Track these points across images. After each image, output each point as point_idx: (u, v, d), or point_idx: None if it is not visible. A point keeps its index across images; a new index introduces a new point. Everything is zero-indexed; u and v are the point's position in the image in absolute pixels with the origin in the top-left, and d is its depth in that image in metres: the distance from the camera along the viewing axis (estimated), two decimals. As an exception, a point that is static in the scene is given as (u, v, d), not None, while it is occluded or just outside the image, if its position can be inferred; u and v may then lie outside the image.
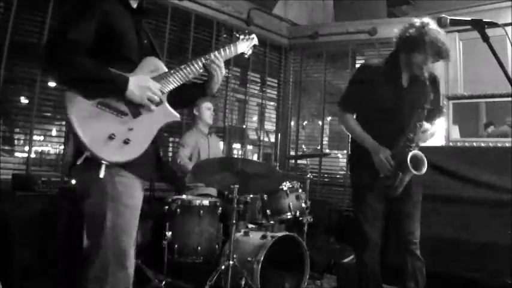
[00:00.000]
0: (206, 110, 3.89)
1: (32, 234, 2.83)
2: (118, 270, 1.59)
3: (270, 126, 5.93)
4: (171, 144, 4.90)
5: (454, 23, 1.93)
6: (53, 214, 2.88)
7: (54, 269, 2.79)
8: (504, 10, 4.18)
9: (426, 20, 2.23)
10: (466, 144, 3.56)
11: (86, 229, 1.63)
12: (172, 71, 1.76)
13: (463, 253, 2.97)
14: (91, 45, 1.57)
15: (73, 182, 1.74)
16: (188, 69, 1.79)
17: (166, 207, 3.12)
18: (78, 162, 1.54)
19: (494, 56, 1.63)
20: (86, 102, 1.55)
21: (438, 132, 2.37)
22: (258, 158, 5.69)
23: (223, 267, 2.76)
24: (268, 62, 5.60)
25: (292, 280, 3.17)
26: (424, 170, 2.19)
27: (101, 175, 1.54)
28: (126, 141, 1.58)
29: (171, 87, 1.75)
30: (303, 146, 5.48)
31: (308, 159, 4.31)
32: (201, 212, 3.11)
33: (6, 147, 3.72)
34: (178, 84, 1.76)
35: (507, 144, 3.29)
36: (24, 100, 3.93)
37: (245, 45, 1.98)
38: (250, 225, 3.50)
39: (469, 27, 1.78)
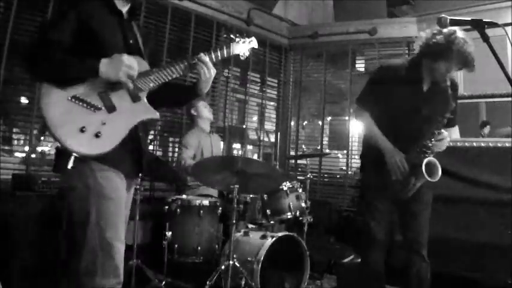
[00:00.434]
0: (203, 108, 3.90)
1: (32, 234, 2.83)
2: (107, 261, 1.61)
3: (270, 126, 5.93)
4: (171, 144, 4.90)
5: (454, 23, 1.93)
6: (53, 214, 2.88)
7: (54, 269, 2.79)
8: (504, 10, 4.18)
9: (454, 28, 2.15)
10: (466, 144, 3.56)
11: (72, 224, 1.66)
12: (154, 69, 1.76)
13: (463, 253, 2.97)
14: (72, 45, 1.63)
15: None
16: (172, 68, 1.78)
17: (166, 207, 3.13)
18: (49, 152, 1.57)
19: (494, 56, 1.62)
20: (61, 96, 1.59)
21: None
22: (258, 158, 5.68)
23: (223, 267, 2.76)
24: (268, 62, 5.60)
25: (292, 280, 3.17)
26: (438, 177, 2.18)
27: (69, 165, 1.55)
28: (97, 135, 1.59)
29: (151, 85, 1.75)
30: (303, 146, 5.49)
31: (308, 159, 4.31)
32: (201, 212, 3.12)
33: (6, 147, 3.72)
34: (160, 82, 1.77)
35: (507, 144, 3.28)
36: (24, 100, 3.93)
37: (241, 48, 1.98)
38: (250, 225, 3.50)
39: (469, 27, 1.78)
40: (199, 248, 3.06)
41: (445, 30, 2.15)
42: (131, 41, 1.80)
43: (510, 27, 3.27)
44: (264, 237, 3.03)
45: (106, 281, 1.60)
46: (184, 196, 3.29)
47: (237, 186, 2.82)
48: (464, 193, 3.10)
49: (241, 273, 2.78)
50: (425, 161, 2.16)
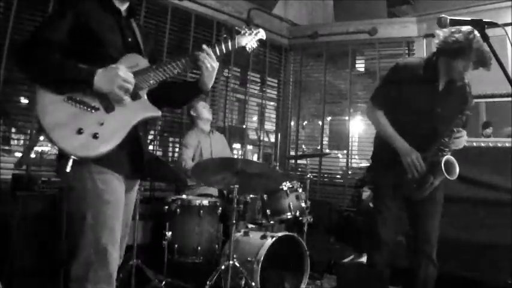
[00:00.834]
0: (202, 109, 3.90)
1: (32, 234, 2.83)
2: (100, 268, 1.56)
3: (270, 126, 5.93)
4: (171, 144, 4.90)
5: (454, 23, 1.92)
6: (53, 214, 2.88)
7: (54, 269, 2.79)
8: (504, 10, 4.18)
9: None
10: (466, 144, 3.55)
11: (67, 227, 1.65)
12: (154, 66, 1.72)
13: (463, 253, 2.97)
14: (68, 45, 1.61)
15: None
16: (173, 64, 1.74)
17: (166, 207, 3.13)
18: (45, 156, 1.54)
19: (494, 56, 1.63)
20: (56, 98, 1.55)
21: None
22: (258, 158, 5.69)
23: (223, 267, 2.76)
24: (268, 62, 5.60)
25: (292, 280, 3.17)
26: (456, 175, 2.17)
27: (68, 169, 1.51)
28: (95, 136, 1.55)
29: (151, 82, 1.71)
30: (303, 146, 5.48)
31: (308, 159, 4.31)
32: (201, 212, 3.12)
33: (6, 147, 3.72)
34: (160, 79, 1.73)
35: (507, 144, 3.28)
36: (24, 100, 3.93)
37: (247, 39, 1.91)
38: (250, 225, 3.50)
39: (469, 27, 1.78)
40: (199, 248, 3.06)
41: (463, 28, 2.14)
42: (129, 39, 1.77)
43: (510, 27, 3.27)
44: (264, 237, 3.03)
45: None
46: (184, 196, 3.29)
47: (237, 186, 2.82)
48: (464, 193, 3.10)
49: (241, 273, 2.78)
50: (444, 158, 2.15)
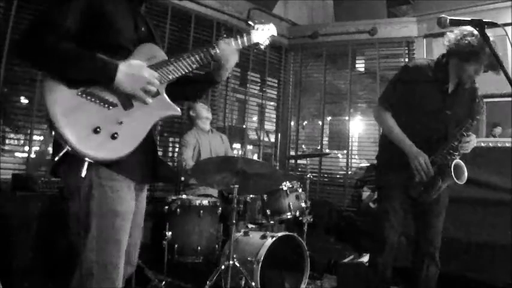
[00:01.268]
0: (201, 108, 3.91)
1: (32, 234, 2.83)
2: (104, 282, 1.41)
3: (270, 126, 5.93)
4: (171, 144, 4.90)
5: (454, 23, 1.93)
6: (53, 214, 2.88)
7: (54, 269, 2.79)
8: (504, 10, 4.18)
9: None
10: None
11: (71, 235, 1.48)
12: (172, 59, 1.56)
13: (463, 253, 2.97)
14: (80, 32, 1.42)
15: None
16: (193, 58, 1.59)
17: (166, 207, 3.12)
18: (56, 158, 1.36)
19: (494, 56, 1.63)
20: (69, 91, 1.36)
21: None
22: (258, 158, 5.68)
23: (223, 267, 2.76)
24: (268, 62, 5.60)
25: (292, 280, 3.17)
26: (465, 179, 2.16)
27: (83, 174, 1.35)
28: (113, 136, 1.38)
29: (170, 77, 1.55)
30: (303, 146, 5.49)
31: (308, 159, 4.31)
32: (201, 212, 3.11)
33: (6, 147, 3.72)
34: (180, 74, 1.58)
35: (507, 144, 3.28)
36: (24, 100, 3.93)
37: (260, 36, 1.78)
38: (250, 225, 3.50)
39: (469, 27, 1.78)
40: (199, 248, 3.06)
41: (476, 31, 2.11)
42: (142, 28, 1.61)
43: (510, 27, 3.27)
44: (264, 237, 3.02)
45: None
46: (184, 196, 3.29)
47: (237, 186, 2.82)
48: (464, 193, 3.10)
49: (241, 273, 2.78)
50: (453, 162, 2.14)
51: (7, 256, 2.74)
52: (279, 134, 5.91)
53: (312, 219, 3.54)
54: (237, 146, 6.01)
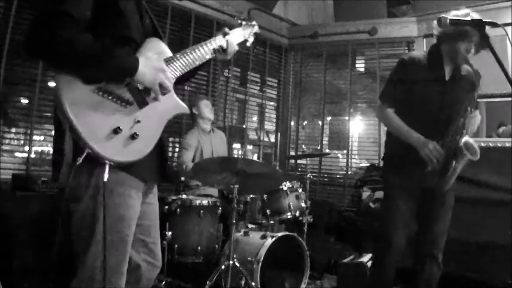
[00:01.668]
0: (205, 107, 3.87)
1: (32, 234, 2.83)
2: (104, 287, 1.37)
3: (270, 126, 5.93)
4: (171, 144, 4.90)
5: (454, 23, 1.93)
6: (53, 214, 2.88)
7: (54, 269, 2.79)
8: (504, 10, 4.18)
9: (467, 10, 2.22)
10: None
11: (74, 239, 1.43)
12: (178, 55, 1.54)
13: (463, 253, 2.97)
14: (90, 23, 1.34)
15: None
16: (195, 54, 1.59)
17: (166, 207, 3.12)
18: (79, 162, 1.27)
19: (494, 56, 1.63)
20: (84, 88, 1.29)
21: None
22: (258, 158, 5.68)
23: (223, 267, 2.76)
24: (268, 62, 5.60)
25: (292, 280, 3.16)
26: (478, 155, 2.10)
27: (105, 178, 1.29)
28: (133, 136, 1.33)
29: (178, 74, 1.53)
30: (303, 146, 5.48)
31: (308, 159, 4.31)
32: (201, 212, 3.11)
33: (6, 147, 3.72)
34: (186, 70, 1.56)
35: (507, 144, 3.28)
36: (24, 100, 3.93)
37: (247, 32, 1.86)
38: (250, 225, 3.50)
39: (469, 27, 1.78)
40: (199, 248, 3.06)
41: (461, 12, 2.19)
42: (147, 21, 1.58)
43: (510, 27, 3.28)
44: (264, 237, 3.02)
45: None
46: (184, 196, 3.29)
47: (237, 186, 2.82)
48: (464, 193, 3.10)
49: (241, 273, 2.78)
50: (463, 140, 2.09)
51: (7, 256, 2.74)
52: (279, 134, 5.91)
53: (312, 219, 3.54)
54: (237, 146, 6.01)
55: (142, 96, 1.40)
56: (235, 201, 2.83)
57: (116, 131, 1.30)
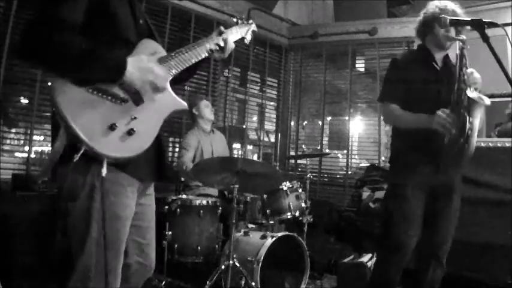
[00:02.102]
0: (205, 108, 3.87)
1: (32, 234, 2.83)
2: (99, 285, 1.39)
3: (270, 126, 5.93)
4: (171, 144, 4.90)
5: (454, 23, 1.93)
6: (53, 214, 2.88)
7: (54, 269, 2.79)
8: (504, 10, 4.19)
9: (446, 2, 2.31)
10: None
11: (69, 237, 1.44)
12: (173, 54, 1.56)
13: (463, 253, 2.97)
14: (83, 25, 1.37)
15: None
16: (191, 52, 1.62)
17: (166, 207, 3.12)
18: (75, 159, 1.28)
19: (494, 56, 1.63)
20: (79, 89, 1.31)
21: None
22: (258, 158, 5.69)
23: (223, 267, 2.76)
24: (268, 62, 5.60)
25: (292, 280, 3.17)
26: (489, 100, 2.03)
27: (103, 173, 1.30)
28: (130, 132, 1.34)
29: (173, 72, 1.54)
30: (303, 146, 5.48)
31: (308, 159, 4.31)
32: (201, 212, 3.11)
33: (6, 147, 3.72)
34: (182, 69, 1.58)
35: (507, 144, 3.28)
36: (24, 100, 3.93)
37: (244, 31, 1.90)
38: (250, 225, 3.50)
39: (469, 27, 1.78)
40: (199, 248, 3.06)
41: (441, 3, 2.28)
42: (141, 21, 1.59)
43: (510, 27, 3.28)
44: (264, 237, 3.03)
45: None
46: (184, 196, 3.29)
47: (237, 186, 2.82)
48: (464, 193, 3.10)
49: (241, 273, 2.78)
50: (468, 92, 2.02)
51: (7, 256, 2.74)
52: (279, 134, 5.91)
53: (312, 219, 3.54)
54: (237, 146, 6.01)
55: (139, 94, 1.42)
56: (235, 201, 2.83)
57: (112, 127, 1.31)
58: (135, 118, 1.38)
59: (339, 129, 5.97)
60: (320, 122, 5.71)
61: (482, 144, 3.33)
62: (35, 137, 3.69)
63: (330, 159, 5.76)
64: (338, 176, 5.60)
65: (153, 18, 4.37)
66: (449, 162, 2.22)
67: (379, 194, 4.19)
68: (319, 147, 5.65)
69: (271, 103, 5.93)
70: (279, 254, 3.06)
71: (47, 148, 4.20)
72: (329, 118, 6.06)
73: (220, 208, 3.22)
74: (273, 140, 6.02)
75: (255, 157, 5.98)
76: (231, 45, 1.78)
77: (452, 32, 2.23)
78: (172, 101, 1.53)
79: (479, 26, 1.68)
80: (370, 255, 3.33)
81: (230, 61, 5.10)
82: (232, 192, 2.82)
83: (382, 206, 2.73)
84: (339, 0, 5.88)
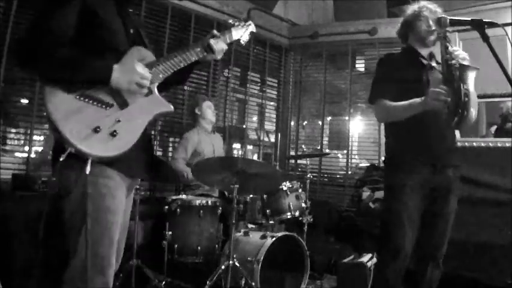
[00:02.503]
0: (207, 109, 3.88)
1: (32, 234, 2.83)
2: (97, 276, 1.48)
3: (270, 126, 5.93)
4: (171, 144, 4.90)
5: (454, 23, 1.93)
6: (53, 214, 2.88)
7: (54, 269, 2.79)
8: (504, 10, 4.18)
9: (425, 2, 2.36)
10: (466, 144, 3.56)
11: (66, 231, 1.55)
12: (161, 59, 1.67)
13: (463, 253, 2.97)
14: (74, 36, 1.49)
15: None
16: (180, 57, 1.71)
17: (166, 207, 3.13)
18: (61, 159, 1.42)
19: (494, 56, 1.63)
20: (68, 96, 1.45)
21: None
22: (258, 158, 5.68)
23: (223, 267, 2.76)
24: (268, 62, 5.60)
25: (292, 280, 3.17)
26: (477, 66, 2.00)
27: (87, 171, 1.43)
28: (113, 134, 1.47)
29: (161, 76, 1.65)
30: (303, 146, 5.48)
31: (308, 159, 4.31)
32: (201, 212, 3.12)
33: (6, 147, 3.72)
34: (169, 73, 1.67)
35: (507, 144, 3.28)
36: (24, 100, 3.93)
37: (240, 32, 1.94)
38: (250, 225, 3.50)
39: (469, 27, 1.79)
40: (199, 248, 3.06)
41: (412, 7, 2.36)
42: (131, 30, 1.69)
43: (510, 27, 3.28)
44: (264, 237, 3.03)
45: None
46: (184, 196, 3.30)
47: (237, 186, 2.82)
48: (464, 193, 3.10)
49: (241, 273, 2.78)
50: (456, 62, 2.00)
51: (7, 256, 2.74)
52: (279, 134, 5.91)
53: (312, 219, 3.54)
54: (237, 146, 6.01)
55: (124, 99, 1.54)
56: (235, 201, 2.83)
57: (96, 130, 1.45)
58: (118, 121, 1.51)
59: (339, 129, 5.96)
60: (320, 122, 5.70)
61: (482, 144, 3.34)
62: (35, 137, 3.69)
63: (330, 159, 5.76)
64: (338, 176, 5.59)
65: (153, 18, 4.37)
66: (446, 161, 2.22)
67: (379, 194, 4.19)
68: (319, 147, 5.65)
69: (271, 103, 5.92)
70: (279, 254, 3.06)
71: (49, 150, 4.20)
72: (329, 118, 6.06)
73: (220, 208, 3.22)
74: (273, 140, 6.02)
75: (255, 157, 5.98)
76: (223, 47, 1.83)
77: (434, 26, 2.22)
78: (157, 104, 1.65)
79: (479, 26, 1.68)
80: (370, 255, 3.33)
81: (230, 61, 5.10)
82: (232, 192, 2.82)
83: (381, 208, 2.71)
84: (339, 0, 5.87)
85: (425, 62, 2.33)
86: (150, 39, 4.11)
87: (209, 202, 3.21)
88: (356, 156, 5.82)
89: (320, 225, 4.32)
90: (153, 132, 4.36)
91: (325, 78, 5.60)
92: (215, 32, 1.84)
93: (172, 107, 1.69)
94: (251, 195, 3.40)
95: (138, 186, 3.11)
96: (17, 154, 3.90)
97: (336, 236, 4.47)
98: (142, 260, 3.07)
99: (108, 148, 1.47)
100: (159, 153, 4.69)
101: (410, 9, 2.39)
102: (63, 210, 1.54)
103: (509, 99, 4.05)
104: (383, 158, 2.53)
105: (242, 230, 3.21)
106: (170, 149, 4.88)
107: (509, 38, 1.74)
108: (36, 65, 1.45)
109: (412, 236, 2.21)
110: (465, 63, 2.01)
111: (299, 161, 5.40)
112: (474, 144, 3.51)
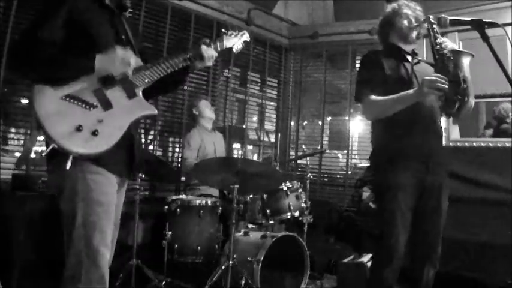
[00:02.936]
0: (205, 107, 3.89)
1: (32, 234, 2.83)
2: (92, 269, 1.55)
3: (270, 126, 5.93)
4: (171, 144, 4.90)
5: (454, 23, 1.93)
6: (53, 214, 2.88)
7: (54, 269, 2.79)
8: (504, 10, 4.18)
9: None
10: (466, 144, 3.56)
11: (63, 226, 1.62)
12: (148, 65, 1.74)
13: (463, 253, 2.98)
14: (64, 43, 1.60)
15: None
16: (167, 63, 1.76)
17: (166, 207, 3.13)
18: (43, 154, 1.54)
19: (494, 56, 1.63)
20: (54, 95, 1.55)
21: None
22: (258, 158, 5.68)
23: (223, 267, 2.77)
24: (268, 62, 5.59)
25: (292, 280, 3.17)
26: (471, 53, 1.99)
27: (67, 166, 1.51)
28: (94, 133, 1.55)
29: (146, 81, 1.72)
30: (303, 146, 5.47)
31: (308, 159, 4.30)
32: (201, 212, 3.12)
33: (7, 147, 3.72)
34: (156, 78, 1.74)
35: (507, 144, 3.28)
36: (24, 100, 3.93)
37: (233, 41, 1.98)
38: (250, 225, 3.50)
39: (469, 27, 1.79)
40: (199, 248, 3.07)
41: (390, 6, 2.36)
42: (123, 36, 1.77)
43: (510, 27, 3.27)
44: (264, 237, 3.03)
45: None
46: (184, 196, 3.30)
47: (237, 186, 2.82)
48: (464, 193, 3.11)
49: (241, 273, 2.78)
50: (449, 48, 2.00)
51: (7, 256, 2.74)
52: (279, 134, 5.91)
53: (312, 219, 3.54)
54: (237, 146, 6.01)
55: (108, 101, 1.62)
56: (235, 201, 2.83)
57: (79, 128, 1.53)
58: (101, 121, 1.59)
59: (339, 129, 5.96)
60: (320, 122, 5.70)
61: (482, 144, 3.34)
62: (35, 137, 3.69)
63: (330, 159, 5.76)
64: (338, 176, 5.59)
65: (153, 18, 4.37)
66: (438, 158, 2.20)
67: (379, 194, 4.18)
68: (319, 147, 5.64)
69: (271, 103, 5.92)
70: (279, 254, 3.06)
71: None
72: (329, 118, 6.06)
73: (220, 208, 3.22)
74: (273, 140, 6.02)
75: (255, 157, 5.98)
76: (212, 54, 1.87)
77: (414, 23, 2.25)
78: (141, 107, 1.71)
79: (479, 26, 1.68)
80: (370, 255, 3.33)
81: (230, 61, 5.10)
82: (232, 192, 2.82)
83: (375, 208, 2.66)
84: (339, 0, 5.87)
85: (409, 57, 2.31)
86: (150, 39, 4.13)
87: (209, 202, 3.21)
88: (356, 156, 5.82)
89: (320, 225, 4.32)
90: (153, 132, 4.36)
91: (325, 78, 5.60)
92: (207, 40, 1.90)
93: (156, 110, 1.75)
94: (251, 195, 3.40)
95: (138, 186, 3.11)
96: (17, 154, 3.90)
97: (336, 236, 4.47)
98: (142, 260, 3.07)
99: (88, 146, 1.54)
100: (159, 153, 4.69)
101: (389, 7, 2.38)
102: (59, 208, 1.63)
103: (509, 99, 4.05)
104: (369, 156, 2.41)
105: (242, 230, 3.21)
106: (170, 149, 4.88)
107: (509, 38, 1.74)
108: (26, 68, 1.58)
109: (405, 237, 2.16)
110: (456, 46, 2.01)
111: (299, 161, 5.40)
112: (474, 144, 3.51)
